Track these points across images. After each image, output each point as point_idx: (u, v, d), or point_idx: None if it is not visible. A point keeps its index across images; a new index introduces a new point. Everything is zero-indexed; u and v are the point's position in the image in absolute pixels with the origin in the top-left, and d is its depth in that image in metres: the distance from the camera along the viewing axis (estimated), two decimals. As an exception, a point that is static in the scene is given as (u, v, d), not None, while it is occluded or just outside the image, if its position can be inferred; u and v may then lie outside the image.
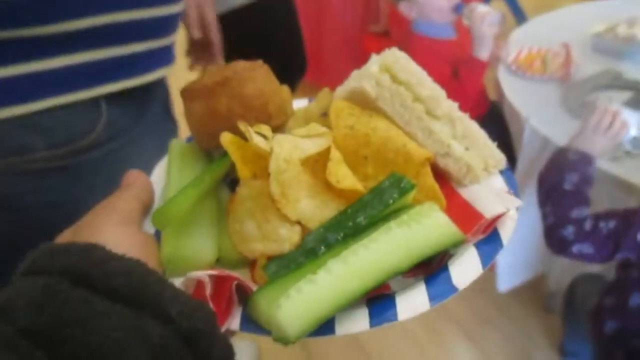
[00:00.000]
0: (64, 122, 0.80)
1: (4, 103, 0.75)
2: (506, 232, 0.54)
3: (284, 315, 0.44)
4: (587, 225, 1.49)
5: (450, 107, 0.65)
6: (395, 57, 0.65)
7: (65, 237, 0.52)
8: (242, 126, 0.57)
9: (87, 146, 0.82)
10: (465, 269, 0.51)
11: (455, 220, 0.56)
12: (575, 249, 1.50)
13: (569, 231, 1.49)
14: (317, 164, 0.60)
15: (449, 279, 0.51)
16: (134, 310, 0.39)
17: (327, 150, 0.59)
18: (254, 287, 0.50)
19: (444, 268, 0.52)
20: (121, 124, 0.87)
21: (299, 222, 0.55)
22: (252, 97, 0.64)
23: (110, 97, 0.84)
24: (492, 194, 0.60)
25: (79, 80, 0.81)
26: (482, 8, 2.34)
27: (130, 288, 0.40)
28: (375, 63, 0.66)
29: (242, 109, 0.64)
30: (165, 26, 0.91)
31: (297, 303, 0.45)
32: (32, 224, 0.82)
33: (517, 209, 0.56)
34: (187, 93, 0.66)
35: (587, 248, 1.50)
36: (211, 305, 0.47)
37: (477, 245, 0.53)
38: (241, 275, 0.56)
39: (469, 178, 0.63)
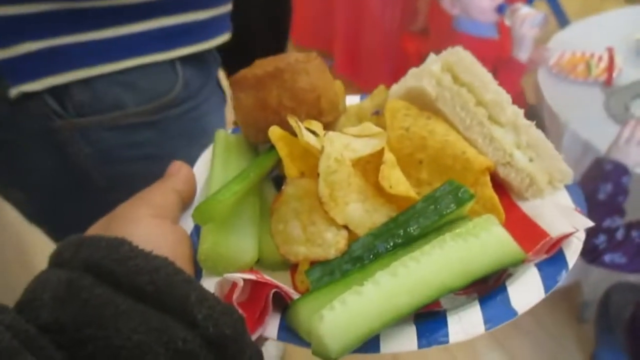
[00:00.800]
0: (149, 81, 0.91)
1: (101, 61, 0.87)
2: (572, 253, 0.49)
3: (326, 329, 0.41)
4: (619, 235, 1.47)
5: (515, 113, 0.60)
6: (458, 57, 0.60)
7: (98, 227, 0.50)
8: (292, 121, 0.54)
9: (169, 103, 0.93)
10: (525, 291, 0.47)
11: (515, 236, 0.52)
12: (607, 258, 1.49)
13: (600, 240, 1.48)
14: (368, 165, 0.56)
15: (507, 300, 0.46)
16: (158, 312, 0.37)
17: (381, 152, 0.55)
18: (294, 295, 0.47)
19: (502, 288, 0.48)
20: (194, 84, 0.98)
21: (346, 227, 0.51)
22: (304, 91, 0.61)
23: (185, 60, 0.95)
24: (557, 210, 0.55)
25: (157, 42, 0.91)
26: (524, 9, 2.27)
27: (155, 287, 0.38)
28: (436, 61, 0.62)
29: (293, 103, 0.61)
30: None
31: (340, 316, 0.42)
32: (131, 176, 0.90)
33: (586, 230, 0.51)
34: (237, 82, 0.63)
35: (619, 258, 1.48)
36: (240, 310, 0.44)
37: (539, 266, 0.49)
38: (281, 278, 0.53)
39: (532, 191, 0.59)
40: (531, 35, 2.25)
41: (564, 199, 0.58)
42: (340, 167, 0.51)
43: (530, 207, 0.58)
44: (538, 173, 0.59)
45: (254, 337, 0.46)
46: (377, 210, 0.53)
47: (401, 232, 0.51)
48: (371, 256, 0.50)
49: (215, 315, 0.38)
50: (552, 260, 0.49)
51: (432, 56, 0.64)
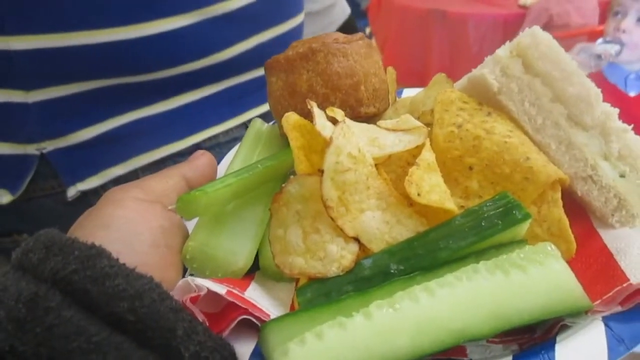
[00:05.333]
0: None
1: (168, 139, 0.75)
2: None
3: (289, 367, 0.32)
4: None
5: (606, 114, 0.46)
6: (534, 39, 0.48)
7: (86, 213, 0.45)
8: (310, 104, 0.45)
9: None
10: (581, 354, 0.34)
11: (584, 274, 0.39)
12: None
13: None
14: (398, 167, 0.46)
15: None
16: (138, 347, 0.32)
17: (416, 151, 0.45)
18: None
19: (549, 344, 0.35)
20: None
21: (357, 240, 0.41)
22: (340, 76, 0.52)
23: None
24: (650, 246, 0.41)
25: (228, 106, 0.80)
26: None
27: (136, 317, 0.32)
28: (508, 46, 0.50)
29: (326, 89, 0.52)
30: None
31: (312, 353, 0.33)
32: None
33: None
34: (269, 65, 0.56)
35: None
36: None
37: (608, 322, 0.35)
38: (285, 292, 0.45)
39: (619, 217, 0.45)
40: None
41: (665, 231, 0.43)
42: (356, 165, 0.41)
43: (614, 238, 0.43)
44: (631, 193, 0.44)
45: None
46: (400, 222, 0.42)
47: (423, 252, 0.40)
48: (382, 280, 0.39)
49: (204, 354, 0.33)
50: (628, 316, 0.35)
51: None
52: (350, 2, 1.07)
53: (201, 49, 0.72)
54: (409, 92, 0.67)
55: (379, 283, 0.39)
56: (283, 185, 0.43)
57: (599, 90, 0.46)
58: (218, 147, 0.78)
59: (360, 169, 0.42)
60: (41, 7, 0.62)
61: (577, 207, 0.47)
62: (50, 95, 0.66)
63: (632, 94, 1.83)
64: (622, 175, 0.45)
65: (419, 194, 0.41)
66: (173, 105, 0.74)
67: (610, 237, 0.43)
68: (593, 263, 0.41)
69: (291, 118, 0.46)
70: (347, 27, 1.55)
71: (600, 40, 1.97)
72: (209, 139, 0.78)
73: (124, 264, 0.35)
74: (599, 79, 1.90)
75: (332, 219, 0.41)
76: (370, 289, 0.38)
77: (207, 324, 0.36)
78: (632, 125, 0.46)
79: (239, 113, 0.80)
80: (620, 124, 0.45)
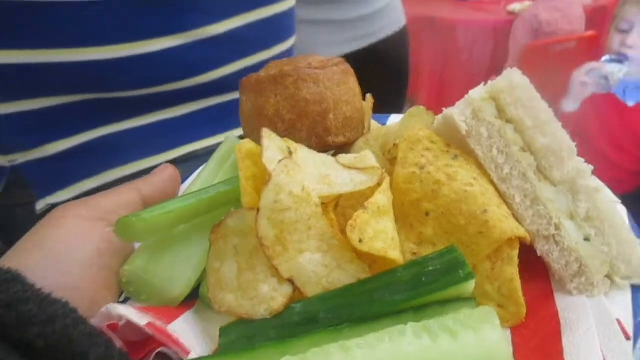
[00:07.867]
0: None
1: (143, 154, 0.74)
2: None
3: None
4: None
5: (577, 170, 0.43)
6: (509, 83, 0.45)
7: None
8: (264, 132, 0.44)
9: None
10: None
11: (527, 345, 0.37)
12: None
13: None
14: (346, 208, 0.44)
15: None
16: None
17: (368, 192, 0.43)
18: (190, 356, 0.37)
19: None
20: None
21: (292, 281, 0.40)
22: (308, 103, 0.50)
23: None
24: (603, 322, 0.38)
25: (209, 124, 0.78)
26: None
27: (46, 342, 0.31)
28: (483, 88, 0.47)
29: (293, 115, 0.51)
30: None
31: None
32: None
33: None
34: (241, 83, 0.54)
35: None
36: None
37: None
38: (224, 323, 0.44)
39: (578, 284, 0.41)
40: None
41: (623, 305, 0.39)
42: (297, 204, 0.40)
43: (568, 306, 0.40)
44: (594, 259, 0.41)
45: None
46: (341, 267, 0.41)
47: (359, 304, 0.38)
48: (309, 328, 0.38)
49: None
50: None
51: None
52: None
53: (184, 71, 0.71)
54: (395, 119, 0.65)
55: (306, 330, 0.37)
56: (223, 217, 0.42)
57: (572, 145, 0.43)
58: (196, 159, 0.76)
59: (302, 208, 0.40)
60: (21, 24, 0.61)
61: (541, 265, 0.44)
62: (24, 108, 0.65)
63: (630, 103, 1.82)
64: (586, 239, 0.42)
65: (361, 240, 0.39)
66: (149, 120, 0.73)
67: (565, 305, 0.40)
68: (540, 332, 0.39)
69: (244, 146, 0.45)
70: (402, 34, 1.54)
71: (606, 57, 1.95)
72: (186, 154, 0.76)
73: (39, 289, 0.34)
74: (612, 101, 1.86)
75: (267, 258, 0.39)
76: (290, 339, 0.36)
77: (127, 351, 0.35)
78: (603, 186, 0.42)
79: (219, 132, 0.79)
80: (592, 183, 0.42)
